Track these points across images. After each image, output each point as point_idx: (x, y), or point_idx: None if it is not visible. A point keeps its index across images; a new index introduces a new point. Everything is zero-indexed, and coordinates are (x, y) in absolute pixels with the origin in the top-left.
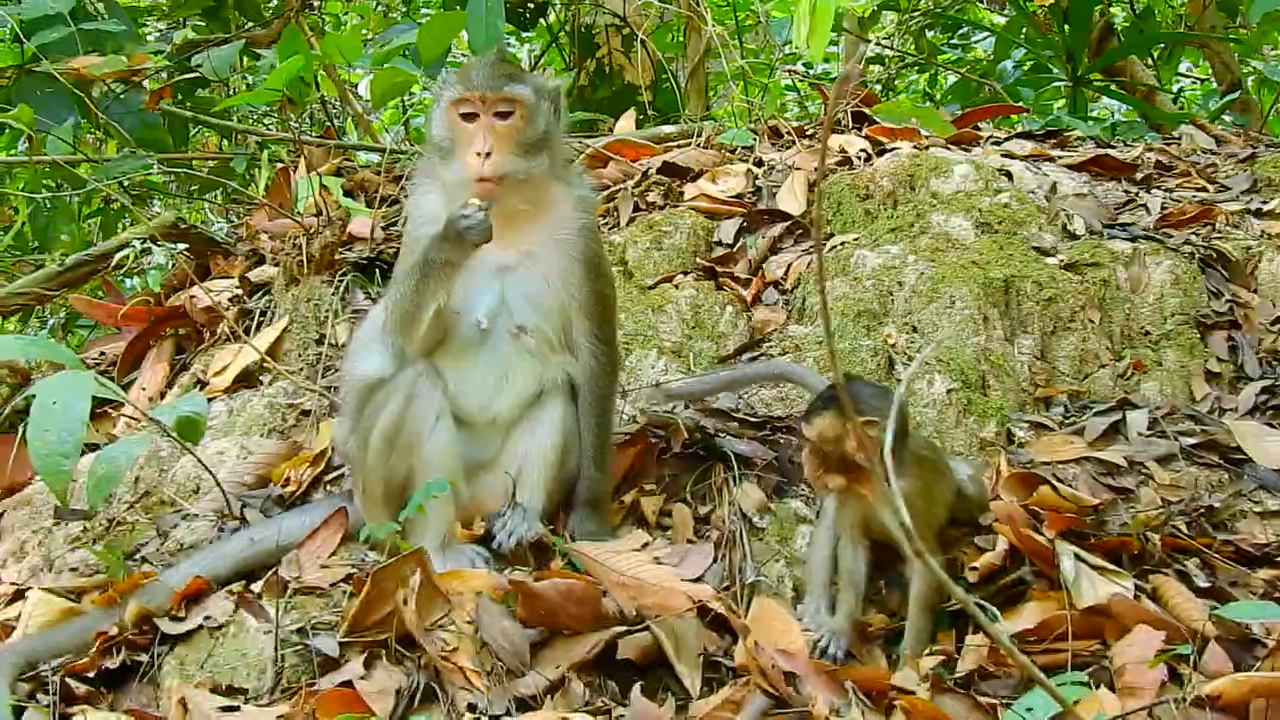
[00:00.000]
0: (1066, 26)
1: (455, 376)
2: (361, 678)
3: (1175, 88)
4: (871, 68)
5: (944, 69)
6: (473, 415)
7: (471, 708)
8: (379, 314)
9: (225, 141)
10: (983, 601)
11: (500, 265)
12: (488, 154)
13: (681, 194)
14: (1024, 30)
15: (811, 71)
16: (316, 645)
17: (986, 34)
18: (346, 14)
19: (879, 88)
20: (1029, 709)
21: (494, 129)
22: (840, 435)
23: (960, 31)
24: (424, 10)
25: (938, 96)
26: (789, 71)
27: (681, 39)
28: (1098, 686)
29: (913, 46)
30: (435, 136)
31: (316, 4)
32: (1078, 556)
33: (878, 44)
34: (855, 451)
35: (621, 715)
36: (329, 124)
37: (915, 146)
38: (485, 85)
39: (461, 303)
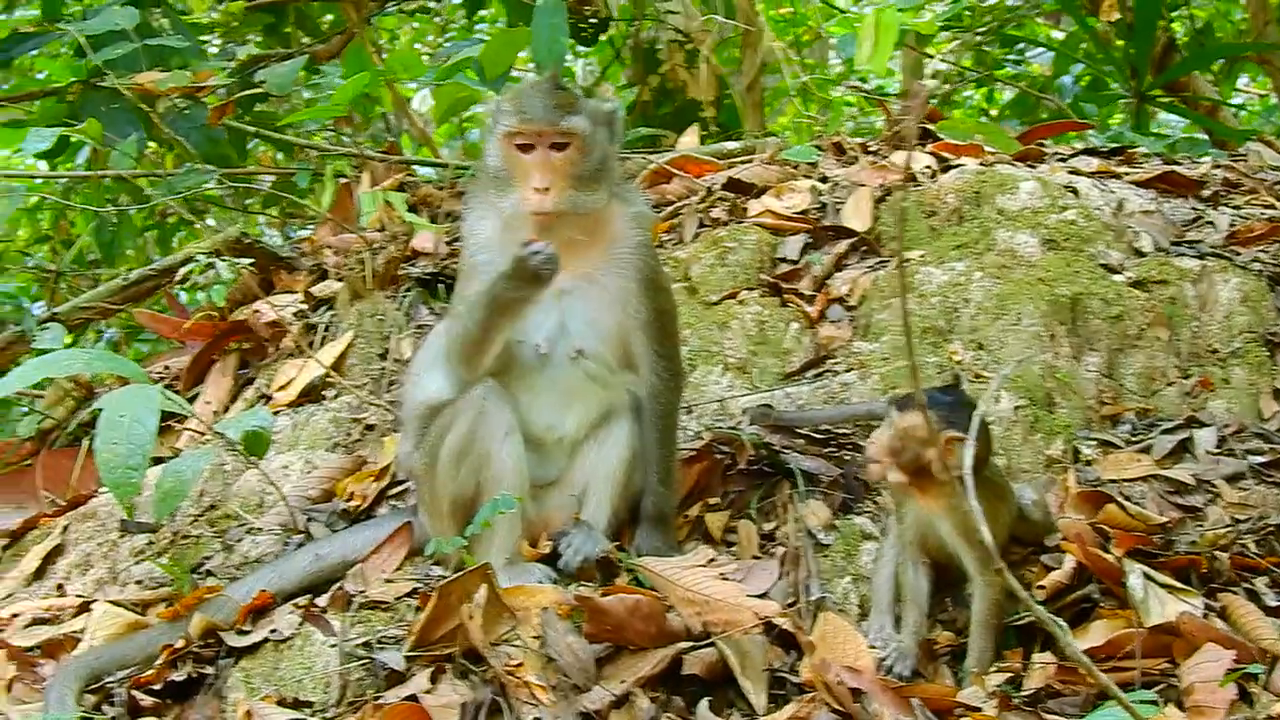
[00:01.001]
0: (1127, 41)
1: (519, 398)
2: (427, 692)
3: (1234, 103)
4: (928, 81)
5: (1005, 84)
6: (538, 435)
7: None
8: (440, 335)
9: (281, 156)
10: (1055, 618)
11: (559, 289)
12: (545, 189)
13: (745, 210)
14: (1082, 45)
15: (864, 86)
16: (382, 659)
17: (1043, 49)
18: (400, 29)
19: (935, 103)
20: None
21: (551, 162)
22: (927, 440)
23: (1017, 47)
24: (480, 25)
25: (993, 113)
26: (852, 87)
27: (737, 55)
28: (1167, 705)
29: (970, 62)
30: (490, 165)
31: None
32: (1146, 575)
33: (941, 60)
34: (935, 462)
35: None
36: (390, 139)
37: (981, 163)
38: (542, 118)
39: (521, 329)
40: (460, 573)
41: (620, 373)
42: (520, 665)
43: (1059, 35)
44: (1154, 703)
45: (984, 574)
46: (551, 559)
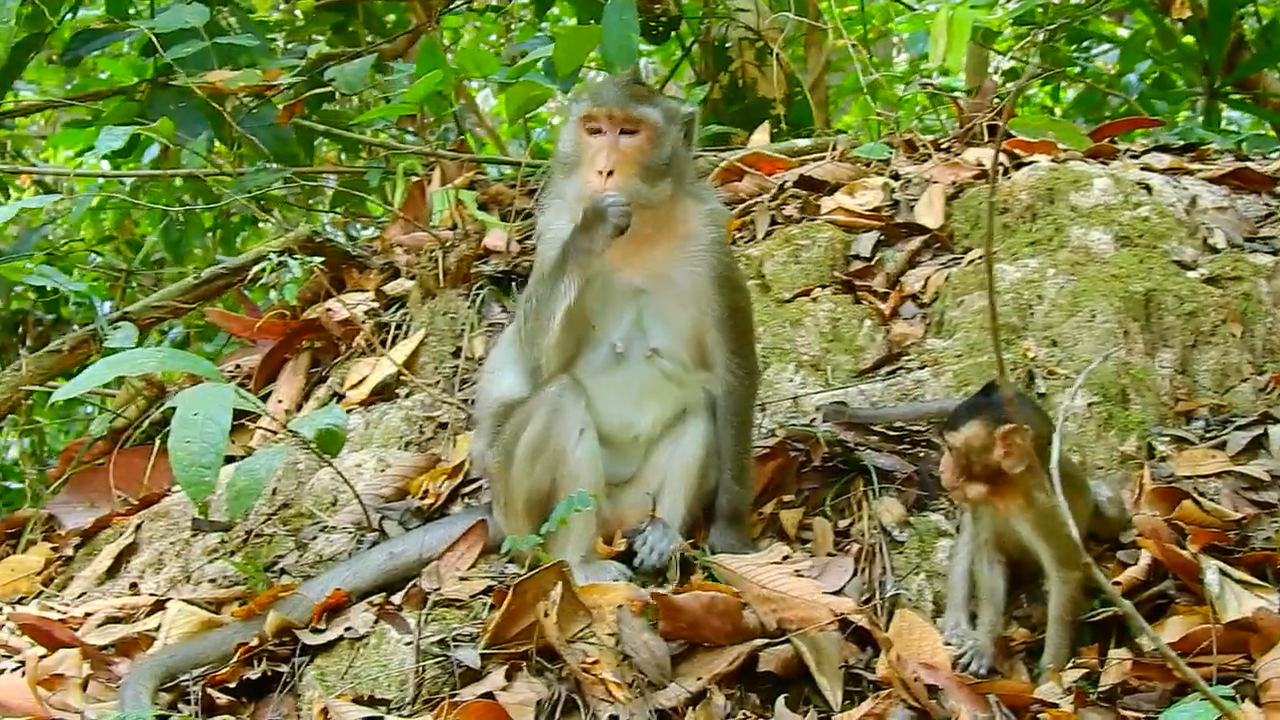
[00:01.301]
0: (1198, 38)
1: (595, 396)
2: (502, 689)
3: None
4: (997, 78)
5: (1076, 81)
6: (613, 434)
7: None
8: (513, 333)
9: (344, 156)
10: (1135, 613)
11: (634, 288)
12: (609, 172)
13: (818, 207)
14: (1148, 42)
15: (935, 82)
16: (458, 657)
17: (1109, 46)
18: (463, 28)
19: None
20: None
21: (618, 147)
22: (986, 444)
23: (1083, 44)
24: (544, 24)
25: (1058, 111)
26: (925, 84)
27: (802, 53)
28: (1244, 701)
29: (1037, 59)
30: (562, 152)
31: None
32: (1222, 571)
33: (1011, 57)
34: (1000, 460)
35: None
36: (461, 137)
37: (1053, 160)
38: (614, 102)
39: (599, 323)
40: (535, 570)
41: (695, 371)
42: (596, 662)
43: (1124, 33)
44: (1231, 698)
45: (1061, 570)
46: (627, 557)
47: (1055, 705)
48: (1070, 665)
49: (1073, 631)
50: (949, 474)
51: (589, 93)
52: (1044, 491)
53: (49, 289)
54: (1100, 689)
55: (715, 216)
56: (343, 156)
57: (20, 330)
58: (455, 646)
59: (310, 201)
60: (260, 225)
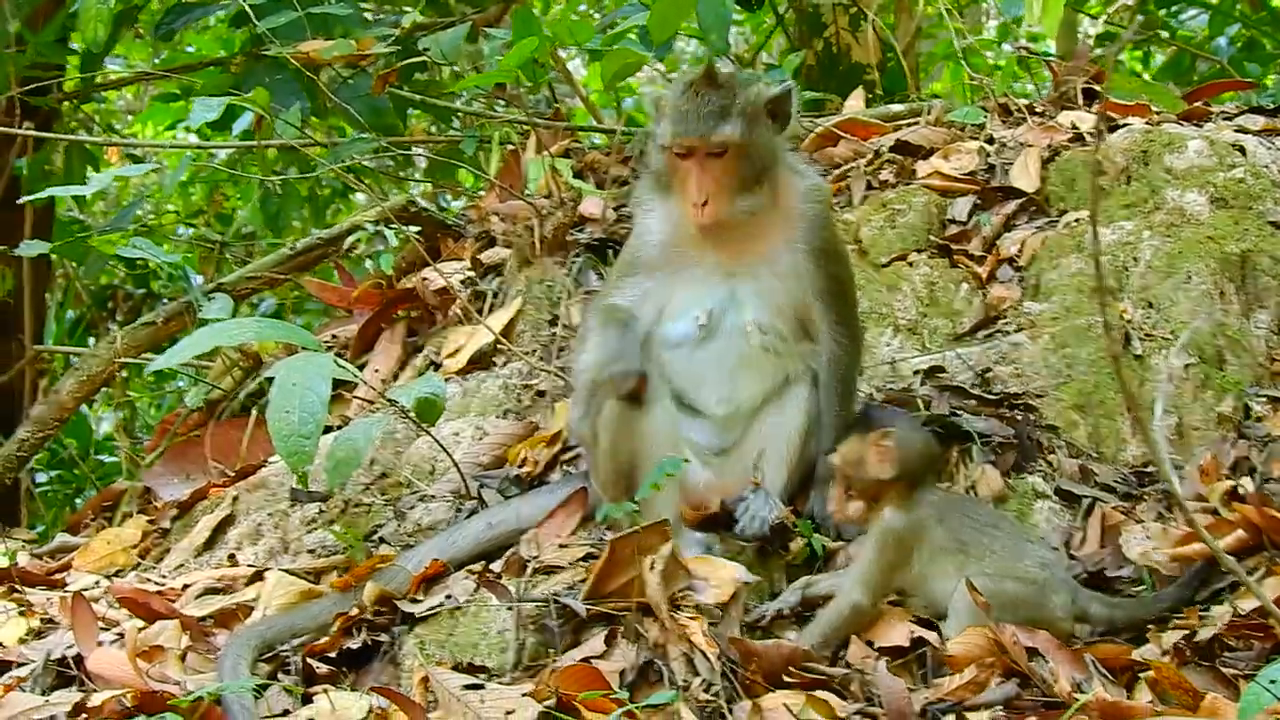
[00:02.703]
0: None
1: (683, 370)
2: (601, 656)
3: None
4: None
5: (1165, 45)
6: (708, 406)
7: (707, 686)
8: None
9: (435, 127)
10: (1236, 565)
11: (731, 271)
12: (704, 203)
13: (914, 172)
14: (1238, 5)
15: (1032, 46)
16: (562, 603)
17: (1198, 11)
18: None
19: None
20: (1273, 680)
21: (708, 172)
22: (861, 455)
23: (1173, 8)
24: None
25: (1147, 76)
26: (1021, 48)
27: (893, 19)
28: None
29: (1129, 22)
30: (654, 166)
31: None
32: None
33: (1105, 21)
34: (873, 469)
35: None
36: (555, 106)
37: (1147, 123)
38: (694, 131)
39: (690, 306)
40: (636, 529)
41: (797, 343)
42: (692, 627)
43: None
44: None
45: (852, 583)
46: (728, 524)
47: (1157, 664)
48: (1171, 626)
49: (831, 639)
50: (832, 500)
51: (670, 114)
52: (894, 510)
53: (139, 263)
54: (1197, 642)
55: (815, 192)
56: (435, 128)
57: (110, 305)
58: (556, 608)
59: (402, 173)
60: (352, 197)
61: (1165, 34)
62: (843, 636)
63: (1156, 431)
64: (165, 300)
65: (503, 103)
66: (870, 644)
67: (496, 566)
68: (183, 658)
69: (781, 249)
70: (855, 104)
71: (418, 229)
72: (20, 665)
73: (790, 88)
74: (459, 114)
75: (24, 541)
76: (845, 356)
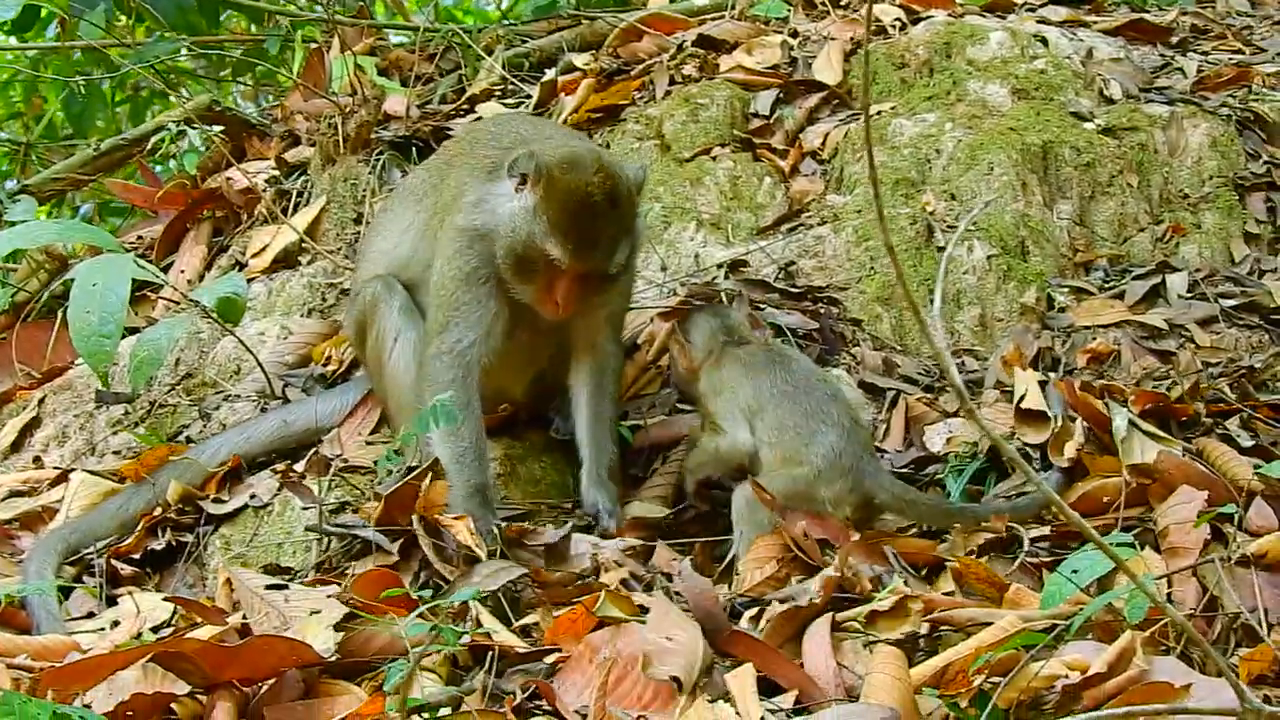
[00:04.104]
0: None
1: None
2: (394, 566)
3: None
4: None
5: None
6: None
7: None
8: (398, 200)
9: (253, 26)
10: (1023, 461)
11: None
12: (567, 304)
13: (717, 67)
14: None
15: None
16: (359, 534)
17: None
18: None
19: None
20: (1075, 570)
21: (583, 282)
22: (671, 355)
23: None
24: None
25: None
26: None
27: None
28: (1144, 549)
29: None
30: (515, 246)
31: None
32: (1131, 421)
33: None
34: (677, 358)
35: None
36: (361, 3)
37: (950, 15)
38: (596, 261)
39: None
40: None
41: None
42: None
43: None
44: (1131, 545)
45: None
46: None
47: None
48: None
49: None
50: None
51: (562, 234)
52: (704, 375)
53: None
54: (999, 539)
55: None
56: (253, 29)
57: None
58: (354, 515)
59: (221, 73)
60: (172, 99)
61: None
62: (712, 471)
63: (935, 320)
64: None
65: (320, 2)
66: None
67: (300, 466)
68: None
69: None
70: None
71: (221, 129)
72: None
73: (644, 168)
74: (268, 14)
75: None
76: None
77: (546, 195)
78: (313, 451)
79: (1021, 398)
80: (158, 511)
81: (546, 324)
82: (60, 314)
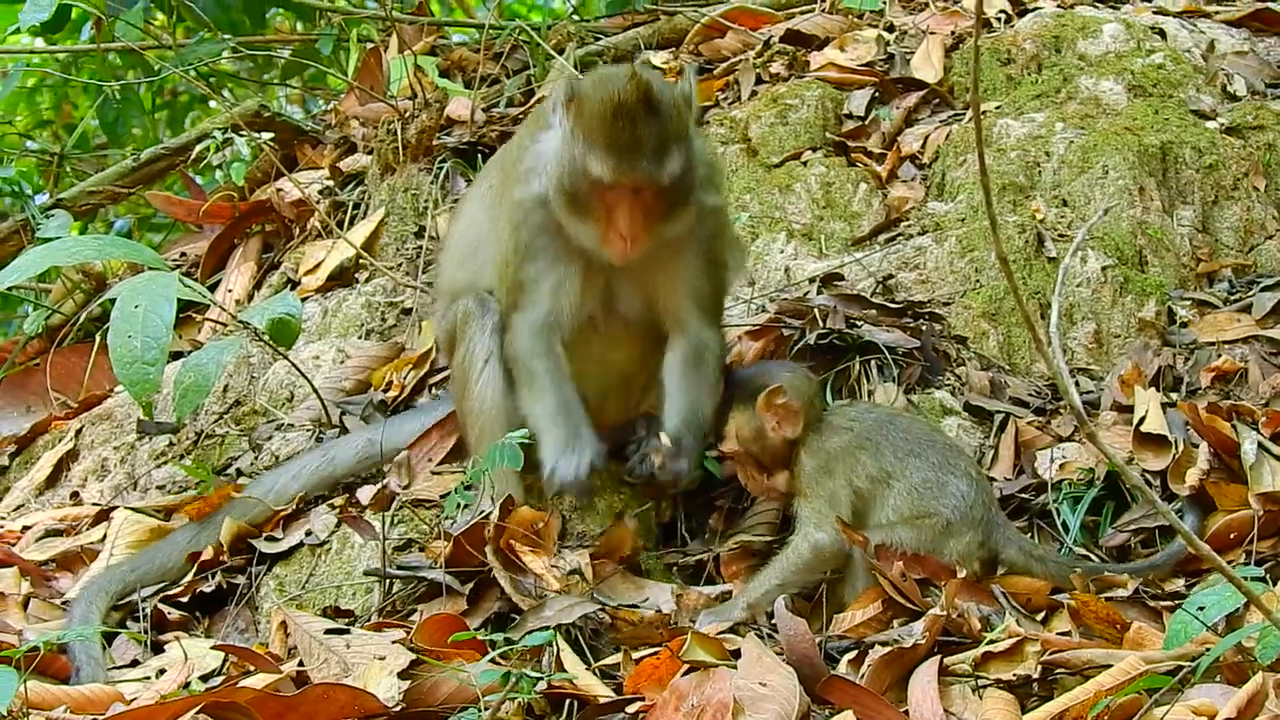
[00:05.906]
0: None
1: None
2: (465, 613)
3: None
4: None
5: None
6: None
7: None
8: (476, 208)
9: (301, 24)
10: (1150, 492)
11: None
12: (631, 238)
13: (807, 64)
14: None
15: None
16: (424, 575)
17: None
18: None
19: None
20: (1201, 608)
21: (640, 204)
22: (757, 429)
23: None
24: None
25: None
26: None
27: None
28: (1275, 584)
29: None
30: (563, 181)
31: None
32: (1260, 445)
33: None
34: (775, 432)
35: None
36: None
37: (1059, 5)
38: (640, 172)
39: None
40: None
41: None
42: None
43: None
44: (1263, 579)
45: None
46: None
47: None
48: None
49: (780, 588)
50: (747, 481)
51: (601, 148)
52: (809, 454)
53: None
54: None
55: (709, 213)
56: (300, 27)
57: None
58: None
59: (265, 76)
60: (212, 104)
61: None
62: (805, 579)
63: (1054, 338)
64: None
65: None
66: None
67: (365, 497)
68: (24, 605)
69: (668, 256)
70: None
71: (271, 136)
72: None
73: (690, 84)
74: (320, 12)
75: None
76: (717, 347)
77: (579, 112)
78: (380, 485)
79: (1141, 420)
80: (208, 553)
81: (626, 302)
82: (98, 338)
